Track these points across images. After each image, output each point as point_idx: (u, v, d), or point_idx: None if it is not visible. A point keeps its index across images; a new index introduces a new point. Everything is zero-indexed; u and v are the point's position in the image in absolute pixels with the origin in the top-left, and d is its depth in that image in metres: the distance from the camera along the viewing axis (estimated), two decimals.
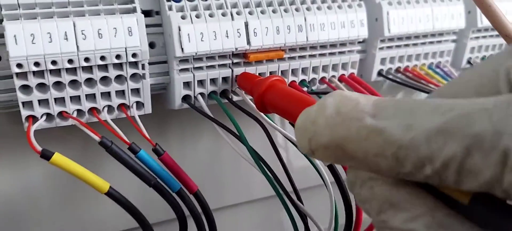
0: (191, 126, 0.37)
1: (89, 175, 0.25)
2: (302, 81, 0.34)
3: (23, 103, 0.26)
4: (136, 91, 0.28)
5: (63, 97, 0.27)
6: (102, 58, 0.26)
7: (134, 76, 0.28)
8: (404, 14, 0.35)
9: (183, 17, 0.28)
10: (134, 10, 0.27)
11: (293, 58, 0.33)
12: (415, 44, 0.37)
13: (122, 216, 0.27)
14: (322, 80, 0.35)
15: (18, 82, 0.25)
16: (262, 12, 0.30)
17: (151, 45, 0.29)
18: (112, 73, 0.27)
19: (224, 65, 0.31)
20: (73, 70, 0.26)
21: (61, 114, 0.27)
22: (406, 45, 0.37)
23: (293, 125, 0.28)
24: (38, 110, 0.26)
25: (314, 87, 0.35)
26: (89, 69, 0.26)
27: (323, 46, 0.33)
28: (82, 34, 0.25)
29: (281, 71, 0.32)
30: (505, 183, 0.11)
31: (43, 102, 0.26)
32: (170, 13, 0.28)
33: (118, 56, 0.26)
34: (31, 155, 0.25)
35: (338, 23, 0.32)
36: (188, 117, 0.36)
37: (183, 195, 0.28)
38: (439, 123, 0.11)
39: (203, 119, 0.30)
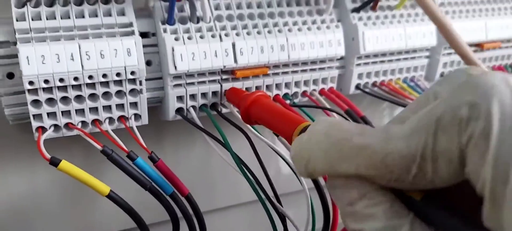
0: (184, 136, 0.38)
1: (91, 180, 0.26)
2: (285, 94, 0.36)
3: (34, 115, 0.27)
4: (134, 104, 0.30)
5: (69, 111, 0.28)
6: (104, 75, 0.28)
7: (132, 91, 0.30)
8: (378, 34, 0.37)
9: (176, 39, 0.30)
10: (132, 33, 0.29)
11: (277, 74, 0.34)
12: (390, 61, 0.39)
13: (121, 217, 0.28)
14: (304, 93, 0.37)
15: (29, 98, 0.27)
16: (248, 33, 0.32)
17: (148, 63, 0.31)
18: (113, 89, 0.29)
19: (213, 81, 0.32)
20: (78, 87, 0.28)
21: (67, 125, 0.29)
22: (382, 62, 0.39)
23: (276, 135, 0.31)
24: (47, 122, 0.28)
25: (296, 100, 0.37)
26: (92, 85, 0.28)
27: (304, 63, 0.35)
28: (86, 55, 0.27)
29: (266, 85, 0.34)
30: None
31: (51, 115, 0.28)
32: (164, 35, 0.30)
33: (118, 74, 0.28)
34: (39, 161, 0.26)
35: (317, 42, 0.34)
36: (181, 127, 0.37)
37: (176, 198, 0.29)
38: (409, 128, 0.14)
39: (195, 129, 0.32)
